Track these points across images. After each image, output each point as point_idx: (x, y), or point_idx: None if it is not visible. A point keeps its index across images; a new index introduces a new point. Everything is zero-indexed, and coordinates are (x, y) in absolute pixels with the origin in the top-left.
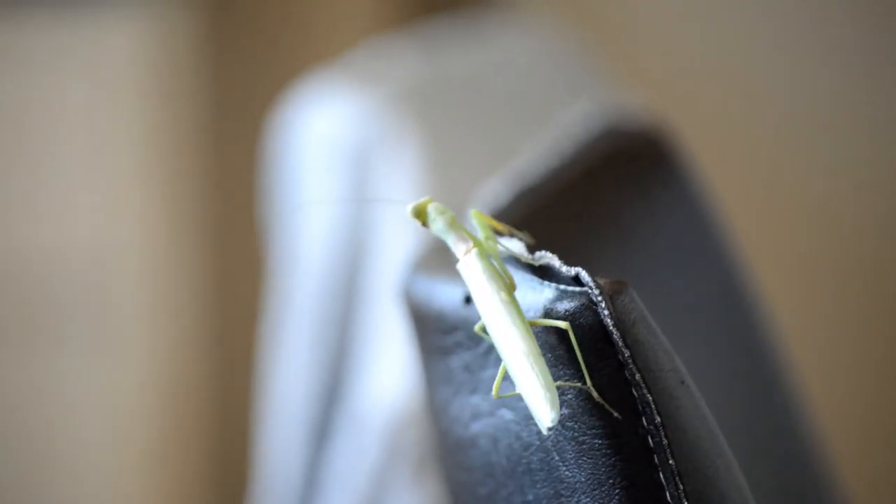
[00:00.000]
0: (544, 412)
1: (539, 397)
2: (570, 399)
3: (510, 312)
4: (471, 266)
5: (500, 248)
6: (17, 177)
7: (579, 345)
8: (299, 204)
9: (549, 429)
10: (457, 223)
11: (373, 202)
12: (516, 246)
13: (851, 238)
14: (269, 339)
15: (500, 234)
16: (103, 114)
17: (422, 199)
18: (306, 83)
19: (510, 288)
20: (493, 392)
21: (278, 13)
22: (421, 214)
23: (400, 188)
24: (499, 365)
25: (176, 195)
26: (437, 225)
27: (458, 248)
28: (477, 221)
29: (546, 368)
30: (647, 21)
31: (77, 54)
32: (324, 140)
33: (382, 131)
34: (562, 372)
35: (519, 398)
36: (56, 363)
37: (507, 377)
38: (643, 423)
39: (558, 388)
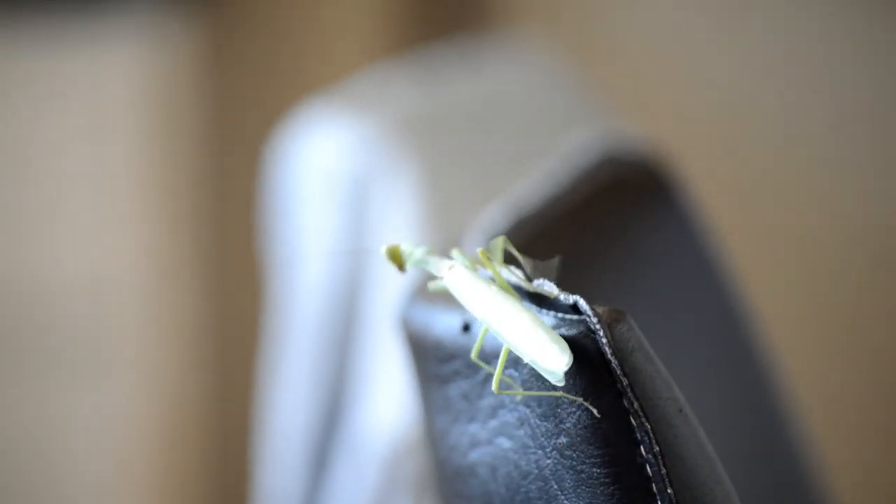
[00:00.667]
0: (555, 357)
1: (547, 346)
2: (569, 428)
3: (502, 294)
4: (456, 276)
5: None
6: (17, 205)
7: (575, 373)
8: (299, 244)
9: (565, 373)
10: (433, 251)
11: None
12: (514, 275)
13: (849, 266)
14: (269, 367)
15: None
16: (102, 142)
17: (391, 244)
18: (305, 111)
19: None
20: (494, 387)
21: (277, 41)
22: (396, 257)
23: (397, 217)
24: (496, 394)
25: (174, 223)
26: (415, 257)
27: (441, 267)
28: (483, 257)
29: (548, 328)
30: (645, 49)
31: (76, 83)
32: (321, 169)
33: (380, 160)
34: (560, 399)
35: (524, 405)
36: (55, 390)
37: (507, 399)
38: (641, 452)
39: (555, 419)
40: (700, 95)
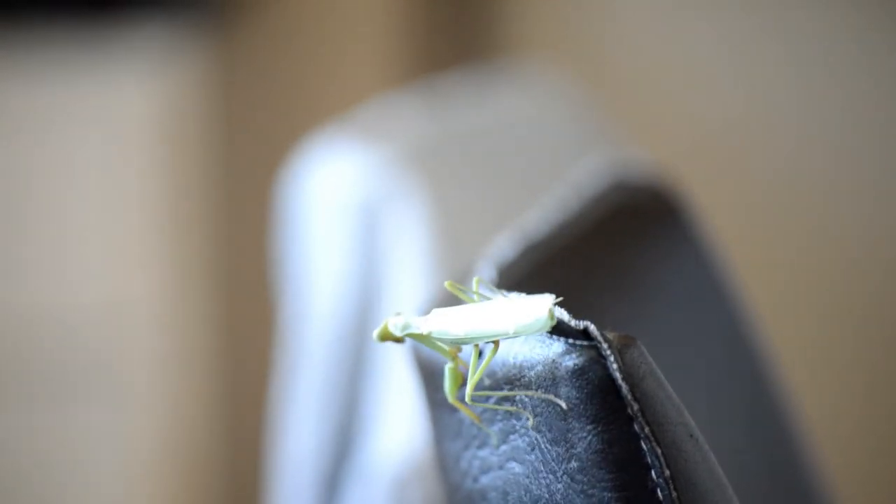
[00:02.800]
0: (537, 304)
1: (527, 304)
2: (580, 452)
3: (471, 306)
4: (431, 324)
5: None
6: (29, 234)
7: (586, 399)
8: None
9: (550, 314)
10: (401, 315)
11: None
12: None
13: (859, 288)
14: (280, 394)
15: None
16: (113, 171)
17: (378, 328)
18: (315, 140)
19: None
20: (466, 397)
21: (289, 69)
22: (388, 336)
23: (408, 245)
24: (507, 417)
25: (186, 251)
26: (400, 328)
27: (420, 324)
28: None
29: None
30: (653, 76)
31: (88, 110)
32: (333, 197)
33: (391, 188)
34: (571, 424)
35: (535, 429)
36: (67, 416)
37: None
38: (652, 477)
39: (566, 444)
40: (709, 120)
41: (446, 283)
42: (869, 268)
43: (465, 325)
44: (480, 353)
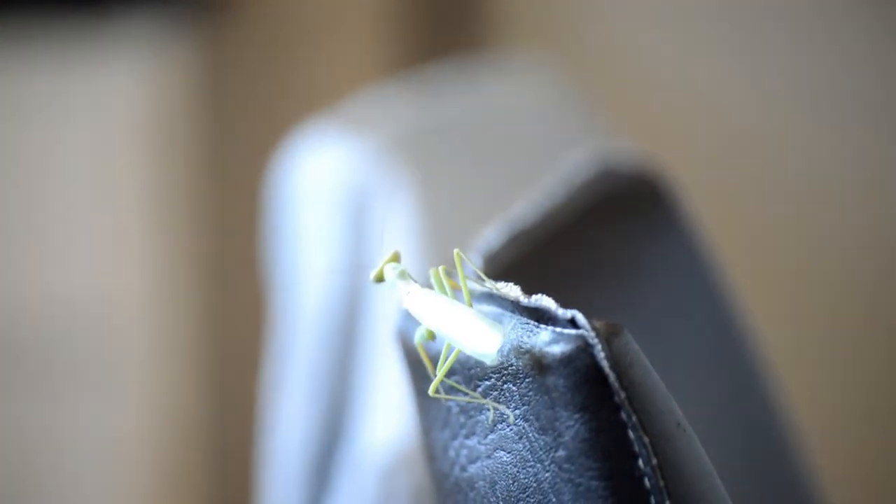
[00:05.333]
0: (485, 338)
1: (478, 330)
2: (567, 441)
3: (446, 299)
4: (413, 299)
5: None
6: (16, 227)
7: (574, 387)
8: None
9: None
10: (405, 274)
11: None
12: (512, 289)
13: (849, 275)
14: (270, 383)
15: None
16: (103, 161)
17: (379, 266)
18: (304, 129)
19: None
20: (430, 390)
21: (276, 62)
22: (381, 278)
23: (397, 231)
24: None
25: (175, 243)
26: (388, 280)
27: (403, 292)
28: (435, 278)
29: (484, 316)
30: (642, 67)
31: (78, 101)
32: (322, 186)
33: (380, 177)
34: (558, 413)
35: (523, 418)
36: (56, 409)
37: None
38: (639, 465)
39: (553, 433)
40: (698, 111)
41: (432, 271)
42: (858, 256)
43: (434, 320)
44: (449, 352)
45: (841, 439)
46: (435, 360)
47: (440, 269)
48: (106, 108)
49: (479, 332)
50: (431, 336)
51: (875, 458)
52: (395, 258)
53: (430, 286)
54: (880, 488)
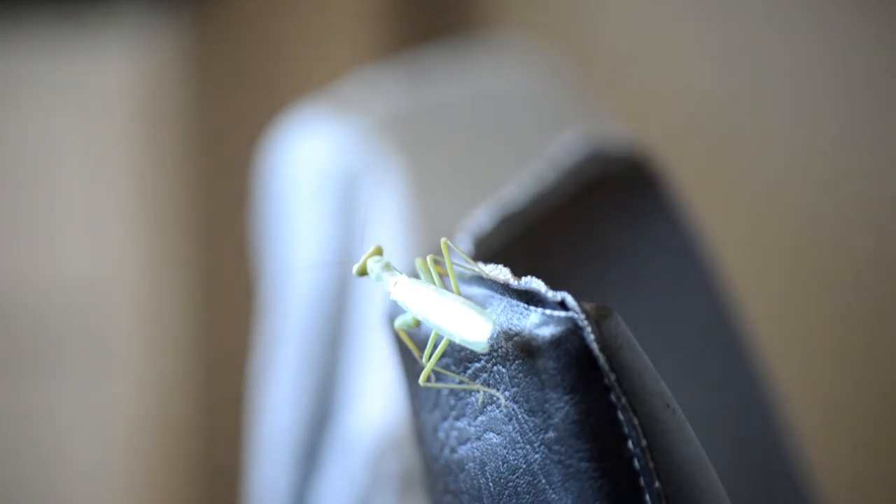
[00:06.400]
0: (475, 327)
1: (468, 319)
2: (557, 423)
3: (433, 288)
4: (400, 289)
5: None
6: (8, 206)
7: (563, 369)
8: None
9: (489, 340)
10: (390, 266)
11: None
12: (502, 272)
13: (836, 261)
14: (260, 366)
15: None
16: (92, 145)
17: (361, 261)
18: (294, 113)
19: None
20: (421, 379)
21: (265, 44)
22: (364, 272)
23: (387, 214)
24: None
25: (165, 223)
26: (374, 274)
27: (390, 284)
28: (422, 267)
29: (474, 305)
30: (631, 48)
31: (67, 86)
32: (312, 168)
33: (369, 159)
34: (548, 395)
35: (513, 400)
36: (46, 390)
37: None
38: (629, 447)
39: (543, 414)
40: (685, 92)
41: (418, 261)
42: (852, 242)
43: (421, 308)
44: (438, 340)
45: (832, 422)
46: (421, 345)
47: (428, 258)
48: (95, 91)
49: (468, 320)
50: (416, 323)
51: (868, 439)
52: (378, 252)
53: (416, 275)
54: (875, 474)
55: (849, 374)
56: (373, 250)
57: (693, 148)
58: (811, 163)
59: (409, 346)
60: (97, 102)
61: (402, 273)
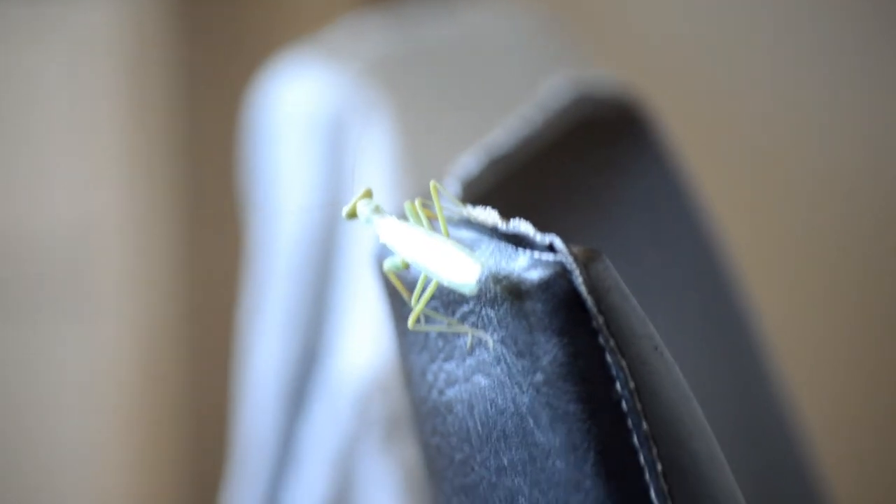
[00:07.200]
0: (465, 268)
1: (457, 261)
2: (545, 365)
3: (422, 230)
4: (389, 231)
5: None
6: None
7: (551, 312)
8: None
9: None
10: (380, 209)
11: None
12: (490, 215)
13: (825, 207)
14: (248, 310)
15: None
16: (79, 90)
17: (351, 203)
18: (282, 59)
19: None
20: (410, 323)
21: None
22: (354, 215)
23: (375, 158)
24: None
25: (152, 169)
26: (364, 216)
27: (380, 226)
28: (410, 211)
29: (461, 247)
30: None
31: (52, 31)
32: (299, 114)
33: (357, 104)
34: (536, 337)
35: (501, 342)
36: (33, 334)
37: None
38: (617, 389)
39: (531, 357)
40: (675, 38)
41: (407, 204)
42: (839, 184)
43: (409, 250)
44: (427, 282)
45: (821, 380)
46: (410, 288)
47: (416, 201)
48: (82, 36)
49: (457, 262)
50: (405, 265)
51: (861, 403)
52: (368, 194)
53: (405, 218)
54: (865, 440)
55: (838, 327)
56: (363, 192)
57: (682, 89)
58: (810, 103)
59: (399, 288)
60: (84, 46)
61: (391, 215)
